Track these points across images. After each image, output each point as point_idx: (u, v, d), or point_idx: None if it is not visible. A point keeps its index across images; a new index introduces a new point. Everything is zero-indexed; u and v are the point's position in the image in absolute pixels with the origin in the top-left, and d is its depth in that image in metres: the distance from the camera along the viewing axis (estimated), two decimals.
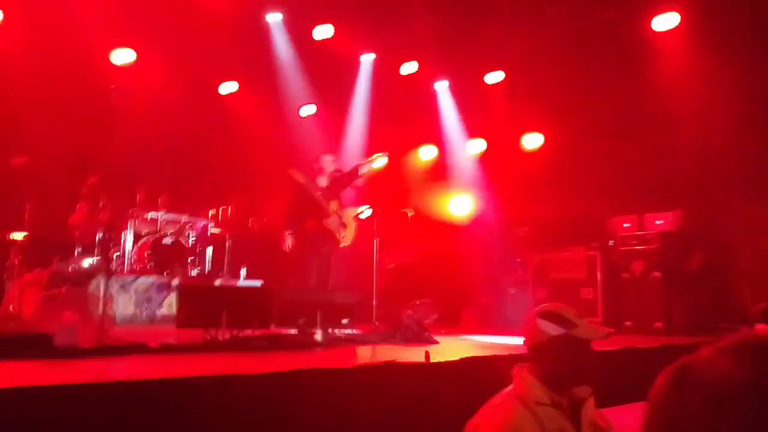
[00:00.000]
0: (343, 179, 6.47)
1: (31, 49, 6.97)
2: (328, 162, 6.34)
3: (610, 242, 7.30)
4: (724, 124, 6.88)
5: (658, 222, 6.94)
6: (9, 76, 6.85)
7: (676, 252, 6.77)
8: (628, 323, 6.84)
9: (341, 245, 6.33)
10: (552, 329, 1.98)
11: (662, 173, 7.34)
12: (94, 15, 6.86)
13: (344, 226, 6.33)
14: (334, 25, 8.57)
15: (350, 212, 6.49)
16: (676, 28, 7.25)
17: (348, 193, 6.74)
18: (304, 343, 4.66)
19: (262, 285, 7.18)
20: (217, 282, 7.29)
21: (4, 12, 6.81)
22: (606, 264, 7.21)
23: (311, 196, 6.16)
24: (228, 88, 9.10)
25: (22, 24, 6.89)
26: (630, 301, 6.90)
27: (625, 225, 7.19)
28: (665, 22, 7.29)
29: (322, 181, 6.37)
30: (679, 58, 7.14)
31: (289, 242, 6.19)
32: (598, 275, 7.18)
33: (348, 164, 7.21)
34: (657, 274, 6.70)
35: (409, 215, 8.57)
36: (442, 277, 8.42)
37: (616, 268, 7.11)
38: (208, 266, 7.83)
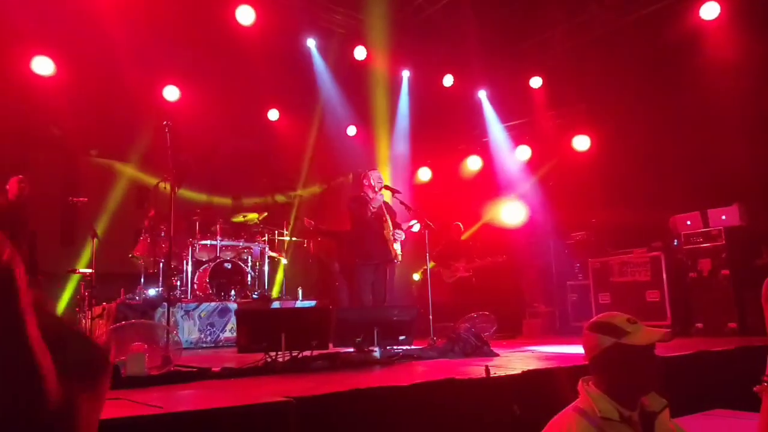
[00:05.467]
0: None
1: (83, 95, 7.35)
2: (376, 178, 6.29)
3: (675, 241, 7.01)
4: None
5: (722, 217, 6.62)
6: (65, 121, 7.24)
7: (744, 247, 6.44)
8: (699, 325, 6.53)
9: (396, 261, 6.28)
10: (603, 340, 1.89)
11: (721, 166, 7.02)
12: (140, 57, 7.18)
13: (395, 241, 6.28)
14: (372, 44, 8.65)
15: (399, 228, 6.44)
16: (722, 14, 6.95)
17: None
18: (363, 361, 4.65)
19: (316, 305, 7.25)
20: (276, 304, 7.42)
21: (56, 64, 7.20)
22: (671, 264, 6.93)
23: (369, 211, 6.14)
24: (274, 114, 9.31)
25: (74, 73, 7.27)
26: (699, 301, 6.60)
27: (687, 222, 6.90)
28: (712, 10, 7.01)
29: (375, 197, 6.31)
30: (728, 46, 6.84)
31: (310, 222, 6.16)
32: (664, 276, 6.90)
33: (394, 181, 7.18)
34: (726, 271, 6.39)
35: (461, 227, 8.52)
36: (501, 287, 8.29)
37: (682, 268, 6.82)
38: (266, 289, 7.99)
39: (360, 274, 6.18)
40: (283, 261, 8.34)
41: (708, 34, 7.10)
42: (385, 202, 6.37)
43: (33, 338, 0.60)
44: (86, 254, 6.22)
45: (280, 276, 8.60)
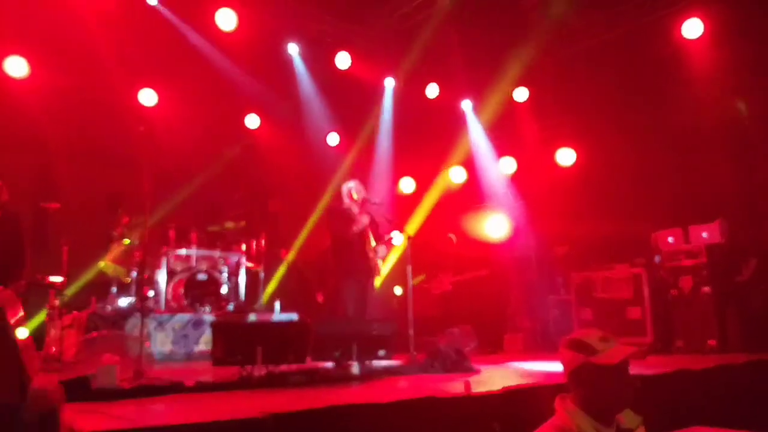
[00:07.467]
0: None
1: (58, 98, 7.19)
2: (356, 189, 6.14)
3: (656, 258, 7.02)
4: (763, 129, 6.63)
5: (703, 234, 6.65)
6: (38, 124, 7.08)
7: (725, 264, 6.48)
8: (679, 343, 6.54)
9: (376, 275, 6.16)
10: (575, 358, 1.91)
11: (703, 182, 7.08)
12: (117, 60, 7.05)
13: (377, 256, 6.14)
14: (355, 52, 8.59)
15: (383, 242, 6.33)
16: (705, 34, 7.03)
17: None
18: (341, 376, 4.56)
19: (298, 318, 7.11)
20: (252, 317, 7.25)
21: (30, 65, 7.03)
22: (653, 281, 6.95)
23: (354, 230, 5.96)
24: (253, 121, 9.13)
25: (49, 75, 7.10)
26: (680, 319, 6.62)
27: (669, 239, 6.92)
28: (694, 28, 7.07)
29: (354, 209, 6.17)
30: (711, 62, 6.92)
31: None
32: (645, 293, 6.92)
33: (376, 192, 7.11)
34: (707, 289, 6.42)
35: (454, 240, 8.44)
36: (483, 301, 8.22)
37: (663, 285, 6.84)
38: (242, 301, 7.82)
39: (346, 290, 5.99)
40: (261, 274, 8.17)
41: (692, 49, 7.18)
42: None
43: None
44: (57, 262, 6.02)
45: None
